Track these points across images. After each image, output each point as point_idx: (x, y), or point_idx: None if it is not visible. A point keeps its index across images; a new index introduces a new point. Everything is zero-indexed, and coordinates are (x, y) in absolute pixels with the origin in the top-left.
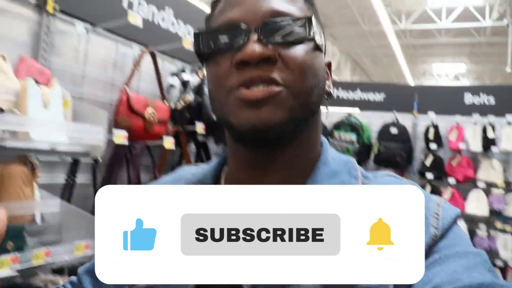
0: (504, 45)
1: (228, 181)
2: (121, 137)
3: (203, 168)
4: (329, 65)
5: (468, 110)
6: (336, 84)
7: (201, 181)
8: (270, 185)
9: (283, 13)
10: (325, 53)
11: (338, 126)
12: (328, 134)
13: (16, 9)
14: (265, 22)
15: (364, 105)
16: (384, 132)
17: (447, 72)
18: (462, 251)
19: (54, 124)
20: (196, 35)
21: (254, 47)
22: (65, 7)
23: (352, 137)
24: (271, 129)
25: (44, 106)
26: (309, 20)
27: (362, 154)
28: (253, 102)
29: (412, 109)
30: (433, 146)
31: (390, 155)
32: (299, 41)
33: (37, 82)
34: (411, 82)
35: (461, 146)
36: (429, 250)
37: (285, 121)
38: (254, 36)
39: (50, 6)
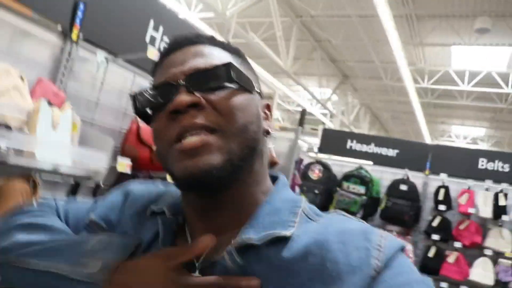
0: None
1: (188, 222)
2: (124, 165)
3: (171, 192)
4: (267, 106)
5: (481, 175)
6: (351, 136)
7: (174, 208)
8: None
9: (205, 65)
10: (261, 96)
11: (348, 177)
12: (337, 184)
13: (42, 34)
14: (189, 75)
15: (377, 159)
16: (393, 188)
17: (466, 134)
18: (407, 280)
19: (59, 146)
20: (135, 97)
21: (181, 97)
22: (89, 35)
23: (361, 189)
24: (209, 173)
25: (52, 127)
26: (227, 66)
27: (369, 207)
28: (189, 151)
29: (425, 168)
30: (442, 207)
31: (397, 212)
32: (222, 86)
33: (50, 103)
34: (428, 141)
35: (471, 210)
36: (373, 282)
37: (222, 163)
38: (182, 89)
39: (74, 34)
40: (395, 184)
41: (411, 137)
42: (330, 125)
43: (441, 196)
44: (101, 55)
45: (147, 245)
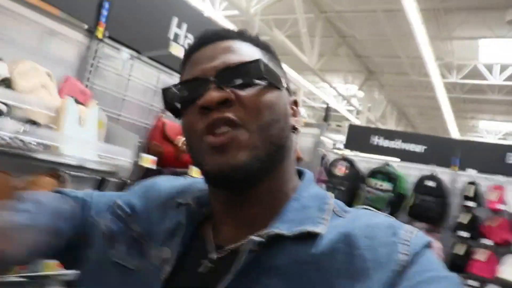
0: None
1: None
2: (148, 161)
3: (198, 184)
4: (295, 102)
5: (511, 171)
6: (377, 132)
7: (199, 201)
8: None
9: (235, 62)
10: (289, 92)
11: (374, 173)
12: (363, 181)
13: (68, 32)
14: (220, 71)
15: (404, 155)
16: (420, 184)
17: (496, 130)
18: (433, 277)
19: (85, 142)
20: (165, 92)
21: (212, 93)
22: (113, 33)
23: (388, 186)
24: (237, 170)
25: (79, 124)
26: (257, 62)
27: (395, 204)
28: (218, 147)
29: (453, 164)
30: (470, 204)
31: (425, 208)
32: (251, 82)
33: (77, 101)
34: (457, 137)
35: (501, 207)
36: (399, 277)
37: (250, 159)
38: (212, 85)
39: (100, 32)
40: (422, 181)
41: (438, 133)
42: (356, 122)
43: (470, 193)
44: (125, 52)
45: (170, 233)
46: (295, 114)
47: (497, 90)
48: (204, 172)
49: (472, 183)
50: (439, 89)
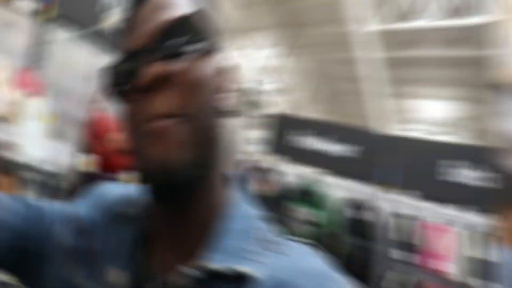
0: None
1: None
2: (91, 162)
3: (136, 196)
4: (229, 70)
5: None
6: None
7: (139, 215)
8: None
9: (168, 19)
10: (221, 53)
11: (297, 196)
12: (283, 204)
13: (15, 20)
14: (149, 40)
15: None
16: (356, 220)
17: None
18: None
19: (33, 138)
20: (102, 73)
21: (144, 72)
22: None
23: (315, 216)
24: (176, 163)
25: (32, 118)
26: (193, 19)
27: (326, 247)
28: (155, 134)
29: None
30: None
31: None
32: (188, 48)
33: (24, 92)
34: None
35: None
36: None
37: (189, 153)
38: (143, 60)
39: (50, 13)
40: (358, 211)
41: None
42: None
43: None
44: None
45: (119, 251)
46: (229, 89)
47: None
48: (140, 168)
49: None
50: None
